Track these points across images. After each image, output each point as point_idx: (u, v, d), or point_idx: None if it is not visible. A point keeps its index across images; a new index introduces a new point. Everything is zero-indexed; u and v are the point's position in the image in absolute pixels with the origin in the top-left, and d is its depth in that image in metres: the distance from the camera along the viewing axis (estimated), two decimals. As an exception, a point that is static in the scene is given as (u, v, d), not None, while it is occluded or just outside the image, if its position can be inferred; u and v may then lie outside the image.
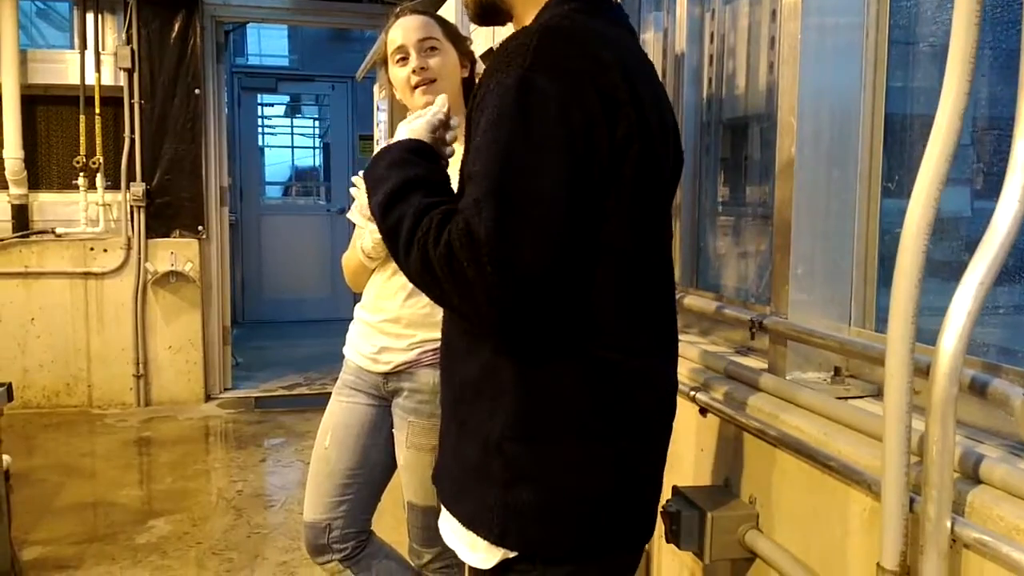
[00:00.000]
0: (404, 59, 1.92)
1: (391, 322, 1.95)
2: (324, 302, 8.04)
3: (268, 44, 8.75)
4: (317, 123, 8.75)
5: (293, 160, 8.70)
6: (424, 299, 1.93)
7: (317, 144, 8.82)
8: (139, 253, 5.05)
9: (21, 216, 4.91)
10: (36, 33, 6.65)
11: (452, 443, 1.23)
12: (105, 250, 5.04)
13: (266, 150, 8.33)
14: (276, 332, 7.47)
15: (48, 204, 5.01)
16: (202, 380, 5.27)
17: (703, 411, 1.52)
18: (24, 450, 4.26)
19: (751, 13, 2.06)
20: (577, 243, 1.06)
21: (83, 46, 4.96)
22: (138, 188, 4.99)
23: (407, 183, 1.14)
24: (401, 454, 1.97)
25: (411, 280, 1.14)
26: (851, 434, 1.22)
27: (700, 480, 1.58)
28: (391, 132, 3.88)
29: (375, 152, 2.16)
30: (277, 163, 8.57)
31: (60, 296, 5.01)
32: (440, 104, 1.32)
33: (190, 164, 5.10)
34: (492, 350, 1.15)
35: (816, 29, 1.43)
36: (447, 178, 1.20)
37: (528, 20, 1.19)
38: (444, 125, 1.29)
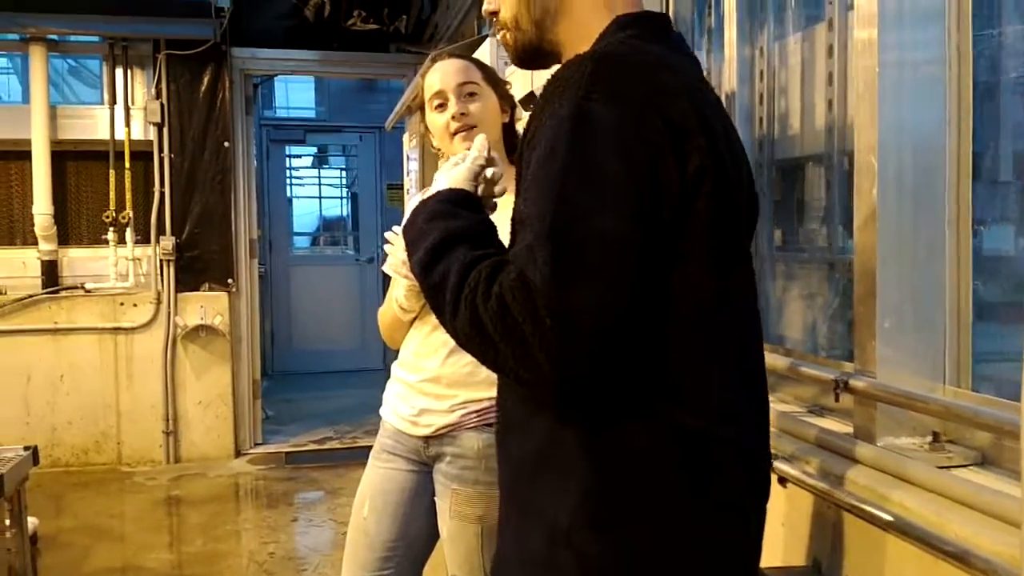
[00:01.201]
0: (442, 105, 1.84)
1: (431, 382, 1.83)
2: (353, 353, 7.96)
3: (296, 96, 8.80)
4: (344, 173, 8.76)
5: (321, 210, 8.69)
6: (467, 357, 1.79)
7: (344, 194, 8.82)
8: (169, 307, 5.00)
9: (51, 272, 4.89)
10: (68, 91, 6.72)
11: (513, 529, 1.09)
12: (135, 305, 4.99)
13: (294, 201, 8.32)
14: (305, 384, 7.38)
15: (78, 260, 4.98)
16: (232, 436, 5.17)
17: (782, 481, 1.38)
18: (53, 511, 4.16)
19: (803, 50, 1.96)
20: (647, 290, 0.94)
21: (113, 101, 4.97)
22: (168, 242, 4.95)
23: (450, 237, 1.03)
24: (444, 525, 1.83)
25: (461, 344, 1.02)
26: (969, 513, 1.07)
27: (783, 560, 1.44)
28: (423, 182, 3.80)
29: (410, 205, 2.07)
30: (305, 214, 8.56)
31: (89, 352, 4.95)
32: (480, 147, 1.19)
33: (219, 217, 5.06)
34: (554, 418, 1.03)
35: (895, 64, 1.31)
36: (494, 228, 1.08)
37: None
38: (486, 170, 1.17)
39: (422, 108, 1.92)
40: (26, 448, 2.78)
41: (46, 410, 4.90)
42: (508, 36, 1.16)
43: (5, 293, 4.77)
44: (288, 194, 8.23)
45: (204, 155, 5.01)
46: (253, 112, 5.45)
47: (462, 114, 1.80)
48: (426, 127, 1.93)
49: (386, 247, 1.77)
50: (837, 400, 1.36)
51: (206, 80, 5.00)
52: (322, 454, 5.26)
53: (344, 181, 8.81)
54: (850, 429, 1.45)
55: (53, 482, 4.52)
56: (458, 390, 1.81)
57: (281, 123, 8.29)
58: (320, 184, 8.67)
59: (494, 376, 1.85)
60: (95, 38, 5.05)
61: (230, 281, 5.09)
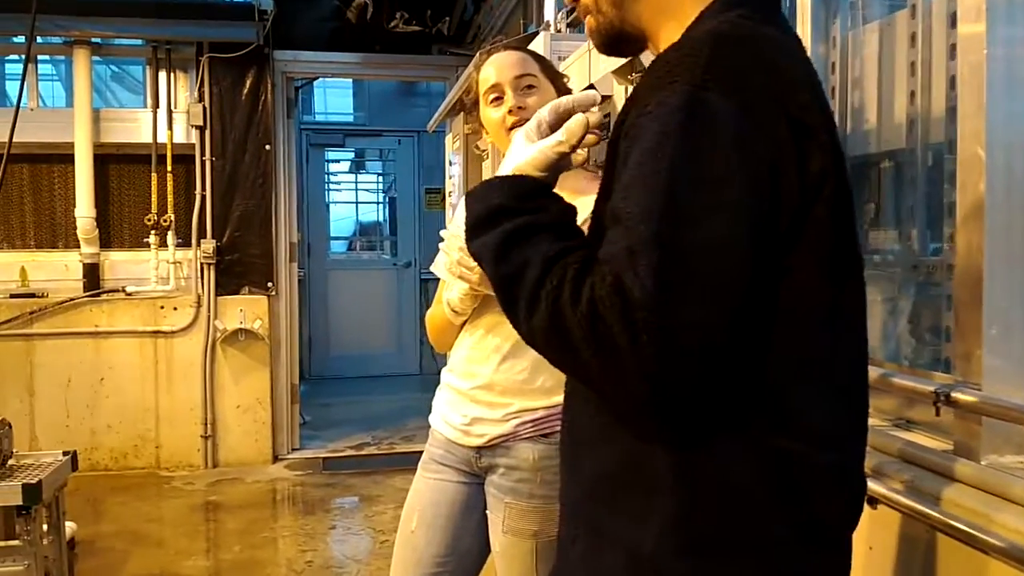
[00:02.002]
0: (499, 99, 1.75)
1: (484, 389, 1.74)
2: (390, 357, 7.93)
3: (335, 101, 8.80)
4: (381, 178, 8.75)
5: (357, 215, 8.68)
6: (522, 363, 1.72)
7: (380, 199, 8.79)
8: (208, 311, 4.97)
9: (92, 275, 4.88)
10: (111, 96, 6.75)
11: (582, 551, 0.99)
12: (175, 308, 4.97)
13: (331, 205, 8.31)
14: (342, 389, 7.34)
15: (119, 263, 4.97)
16: (270, 440, 5.12)
17: (872, 501, 1.27)
18: (91, 515, 4.14)
19: (881, 40, 1.84)
20: (755, 303, 0.83)
21: (155, 104, 4.96)
22: (208, 245, 4.92)
23: (532, 225, 0.93)
24: (497, 540, 1.74)
25: (531, 342, 0.91)
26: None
27: (872, 585, 1.33)
28: (465, 186, 3.72)
29: (457, 212, 1.98)
30: (341, 218, 8.55)
31: (129, 355, 4.93)
32: (575, 129, 0.98)
33: (260, 220, 5.03)
34: (638, 436, 0.93)
35: (1003, 56, 1.20)
36: (575, 217, 0.98)
37: (669, 43, 0.96)
38: (571, 154, 1.02)
39: (476, 103, 1.83)
40: (65, 453, 2.74)
41: (85, 413, 4.89)
42: (591, 20, 1.06)
43: (47, 296, 4.77)
44: (327, 199, 8.21)
45: (245, 158, 4.99)
46: (295, 115, 5.42)
47: (519, 108, 1.71)
48: (480, 123, 1.83)
49: (441, 245, 1.68)
50: (938, 414, 1.24)
51: (248, 83, 4.97)
52: (360, 460, 5.20)
53: (381, 186, 8.79)
54: (943, 444, 1.34)
55: (92, 486, 4.50)
56: (512, 398, 1.71)
57: (320, 127, 8.28)
58: (357, 189, 8.65)
59: (550, 383, 1.77)
60: (138, 41, 5.05)
61: (270, 285, 5.05)
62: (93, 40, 4.83)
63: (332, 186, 8.43)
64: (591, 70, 1.99)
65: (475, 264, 1.59)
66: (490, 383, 1.73)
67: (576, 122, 0.98)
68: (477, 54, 1.84)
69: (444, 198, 7.25)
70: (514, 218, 0.95)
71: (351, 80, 8.39)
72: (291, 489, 4.70)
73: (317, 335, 7.75)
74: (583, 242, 0.94)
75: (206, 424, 4.99)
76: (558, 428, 1.72)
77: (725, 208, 0.81)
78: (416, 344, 8.01)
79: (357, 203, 8.61)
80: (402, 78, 6.69)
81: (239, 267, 5.03)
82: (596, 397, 0.96)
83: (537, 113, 1.04)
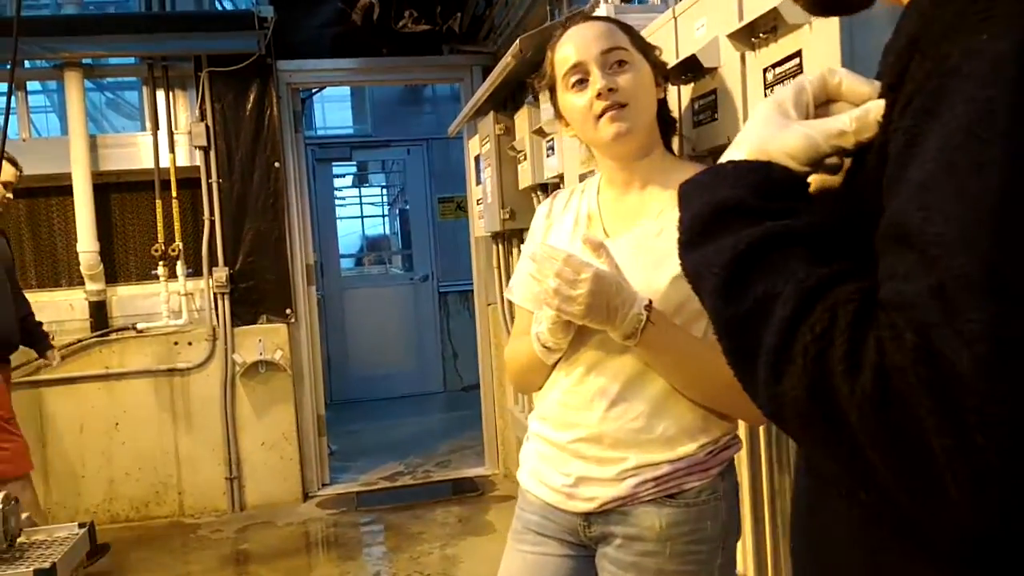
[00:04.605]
0: (583, 81, 1.41)
1: (590, 442, 1.40)
2: (411, 376, 7.61)
3: (339, 114, 8.49)
4: (385, 190, 8.46)
5: (363, 229, 8.39)
6: (636, 407, 1.38)
7: (386, 212, 8.50)
8: (225, 343, 4.64)
9: (100, 313, 4.55)
10: (107, 125, 6.44)
11: None
12: (189, 343, 4.64)
13: (339, 221, 8.00)
14: (366, 412, 7.01)
15: (127, 298, 4.65)
16: (299, 477, 4.79)
17: None
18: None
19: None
20: None
21: (155, 127, 4.63)
22: (221, 273, 4.59)
23: (781, 236, 0.62)
24: (618, 627, 1.40)
25: (773, 414, 0.61)
26: None
27: None
28: (501, 191, 3.38)
29: (536, 222, 1.63)
30: (348, 233, 8.25)
31: (144, 397, 4.61)
32: (877, 114, 0.64)
33: (274, 243, 4.70)
34: (929, 556, 0.60)
35: None
36: (836, 229, 0.65)
37: None
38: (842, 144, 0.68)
39: (553, 89, 1.49)
40: (81, 526, 2.40)
41: (101, 461, 4.56)
42: None
43: (53, 339, 4.44)
44: (336, 214, 7.90)
45: (254, 177, 4.66)
46: (302, 128, 5.09)
47: (610, 89, 1.38)
48: (559, 113, 1.50)
49: (529, 270, 1.34)
50: None
51: (252, 97, 4.64)
52: (395, 492, 4.86)
53: (386, 198, 8.49)
54: None
55: (112, 540, 4.16)
56: (627, 451, 1.38)
57: (326, 141, 7.97)
58: (361, 203, 8.35)
59: (673, 430, 1.41)
60: (132, 60, 4.73)
61: (288, 311, 4.73)
62: (84, 61, 4.50)
63: (339, 201, 8.12)
64: (678, 43, 1.65)
65: (582, 290, 1.25)
66: (598, 434, 1.39)
67: (877, 109, 0.64)
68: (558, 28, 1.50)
69: (462, 206, 6.94)
70: (756, 223, 0.62)
71: (349, 91, 8.09)
72: (326, 531, 4.36)
73: (336, 357, 7.43)
74: (853, 267, 0.61)
75: (230, 465, 4.66)
76: (687, 486, 1.39)
77: None
78: (439, 361, 7.69)
79: (363, 217, 8.31)
80: (413, 81, 6.36)
81: (255, 294, 4.70)
82: (867, 499, 0.63)
83: (798, 80, 0.71)
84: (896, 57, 0.63)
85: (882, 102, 0.63)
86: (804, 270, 0.59)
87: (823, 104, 0.70)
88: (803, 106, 0.69)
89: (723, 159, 0.69)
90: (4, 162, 3.51)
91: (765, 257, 0.61)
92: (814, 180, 0.68)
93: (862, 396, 0.53)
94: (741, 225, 0.63)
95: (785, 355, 0.58)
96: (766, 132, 0.68)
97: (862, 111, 0.65)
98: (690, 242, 0.67)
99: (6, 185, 3.64)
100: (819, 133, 0.67)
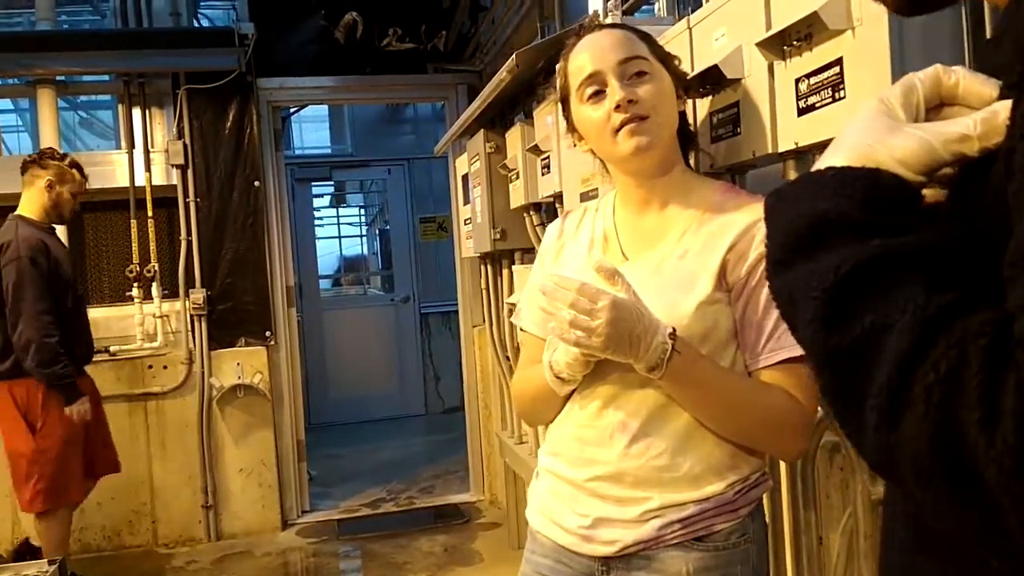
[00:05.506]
0: (599, 92, 1.32)
1: (609, 480, 1.30)
2: (393, 399, 7.49)
3: (319, 133, 8.41)
4: (363, 211, 8.37)
5: (341, 250, 8.27)
6: (660, 443, 1.28)
7: (363, 232, 8.40)
8: (202, 367, 4.49)
9: (71, 336, 4.38)
10: (80, 144, 6.28)
11: None
12: (165, 367, 4.49)
13: (318, 242, 7.89)
14: (346, 436, 6.85)
15: (100, 320, 4.47)
16: (278, 505, 4.64)
17: None
18: (84, 611, 3.64)
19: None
20: None
21: (131, 145, 4.50)
22: (198, 295, 4.46)
23: (895, 256, 0.53)
24: None
25: (880, 464, 0.54)
26: None
27: None
28: (492, 208, 3.29)
29: (546, 241, 1.53)
30: (326, 254, 8.14)
31: (118, 422, 4.41)
32: (1005, 118, 0.55)
33: (253, 264, 4.57)
34: None
35: None
36: (955, 249, 0.56)
37: None
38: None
39: (566, 102, 1.40)
40: (51, 562, 2.27)
41: (72, 490, 4.38)
42: None
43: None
44: (315, 235, 7.78)
45: (233, 197, 4.54)
46: (282, 148, 4.97)
47: (630, 101, 1.29)
48: (573, 126, 1.41)
49: (542, 298, 1.22)
50: None
51: (231, 115, 4.53)
52: (377, 520, 4.72)
53: (364, 219, 8.39)
54: None
55: (83, 571, 3.98)
56: (650, 491, 1.28)
57: (306, 161, 7.85)
58: (339, 223, 8.24)
59: (699, 468, 1.30)
60: (107, 76, 4.60)
61: (268, 334, 4.59)
62: (58, 78, 4.37)
63: (318, 222, 8.00)
64: (694, 54, 1.57)
65: (600, 320, 1.16)
66: (618, 472, 1.29)
67: (1007, 110, 0.54)
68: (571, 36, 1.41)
69: (444, 227, 6.84)
70: (862, 241, 0.53)
71: (328, 111, 8.00)
72: (306, 561, 4.21)
73: (315, 380, 7.29)
74: (979, 295, 0.52)
75: (206, 493, 4.50)
76: (715, 528, 1.29)
77: None
78: (420, 383, 7.57)
79: (340, 238, 8.21)
80: (397, 100, 6.28)
81: (233, 317, 4.56)
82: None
83: (906, 78, 0.61)
84: (1017, 52, 0.54)
85: (1008, 102, 0.54)
86: (923, 296, 0.50)
87: (934, 107, 0.61)
88: (912, 107, 0.60)
89: (819, 165, 0.60)
90: (74, 170, 3.45)
91: (875, 281, 0.53)
92: (926, 195, 0.59)
93: (1003, 449, 0.44)
94: (845, 242, 0.54)
95: (902, 398, 0.49)
96: (872, 135, 0.59)
97: (989, 112, 0.56)
98: (781, 261, 0.58)
99: (75, 196, 3.58)
100: (937, 137, 0.57)
